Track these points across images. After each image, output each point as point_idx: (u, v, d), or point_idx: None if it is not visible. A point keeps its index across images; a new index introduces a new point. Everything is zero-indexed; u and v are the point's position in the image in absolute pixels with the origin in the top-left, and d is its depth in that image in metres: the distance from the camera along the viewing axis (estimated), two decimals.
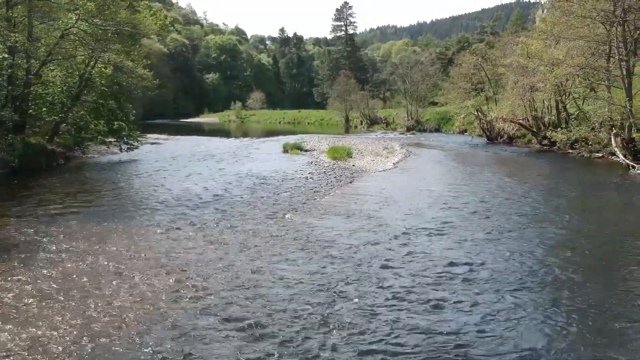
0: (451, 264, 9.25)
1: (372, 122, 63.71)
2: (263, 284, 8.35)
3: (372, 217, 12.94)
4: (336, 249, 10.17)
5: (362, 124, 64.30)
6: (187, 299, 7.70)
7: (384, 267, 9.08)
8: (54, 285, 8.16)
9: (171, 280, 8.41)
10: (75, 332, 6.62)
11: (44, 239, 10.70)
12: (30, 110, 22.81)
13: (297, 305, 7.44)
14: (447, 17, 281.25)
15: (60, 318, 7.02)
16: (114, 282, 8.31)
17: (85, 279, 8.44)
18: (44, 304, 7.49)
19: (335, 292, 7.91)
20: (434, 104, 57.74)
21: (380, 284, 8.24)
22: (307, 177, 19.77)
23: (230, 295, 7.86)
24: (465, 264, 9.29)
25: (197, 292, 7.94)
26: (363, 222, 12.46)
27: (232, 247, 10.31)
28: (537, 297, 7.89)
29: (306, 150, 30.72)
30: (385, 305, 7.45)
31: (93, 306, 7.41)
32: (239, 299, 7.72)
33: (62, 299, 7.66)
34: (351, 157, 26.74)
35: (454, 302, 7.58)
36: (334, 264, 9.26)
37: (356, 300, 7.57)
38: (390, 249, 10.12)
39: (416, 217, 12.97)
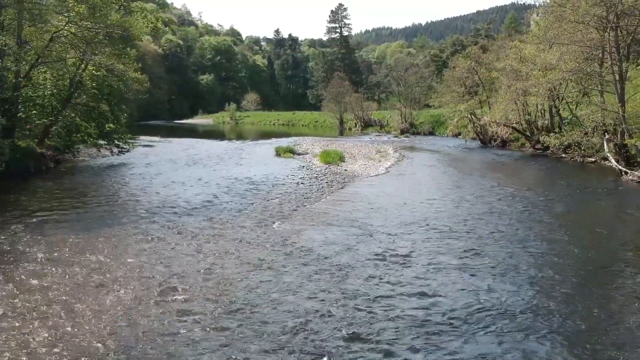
0: (435, 301, 8.11)
1: (366, 125, 63.67)
2: (246, 300, 8.20)
3: (360, 229, 12.61)
4: (320, 267, 9.68)
5: (356, 126, 64.22)
6: (170, 314, 7.55)
7: (359, 299, 8.12)
8: (34, 299, 7.98)
9: (154, 294, 8.26)
10: (52, 349, 6.46)
11: (27, 249, 10.52)
12: (20, 114, 22.56)
13: (267, 332, 7.17)
14: (442, 19, 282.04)
15: (37, 334, 6.85)
16: (97, 296, 8.14)
17: (66, 292, 8.27)
18: (20, 318, 7.31)
19: (308, 329, 7.17)
20: (428, 106, 57.68)
21: (352, 322, 7.36)
22: (298, 183, 19.62)
23: (213, 310, 7.72)
24: (450, 297, 8.28)
25: (180, 307, 7.79)
26: (350, 235, 12.04)
27: (218, 258, 10.16)
28: (524, 324, 7.38)
29: (299, 154, 30.58)
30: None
31: (72, 321, 7.24)
32: (222, 314, 7.58)
33: (42, 313, 7.49)
34: (343, 161, 26.61)
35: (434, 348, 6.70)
36: (315, 287, 8.72)
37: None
38: (370, 277, 9.18)
39: (402, 233, 12.26)
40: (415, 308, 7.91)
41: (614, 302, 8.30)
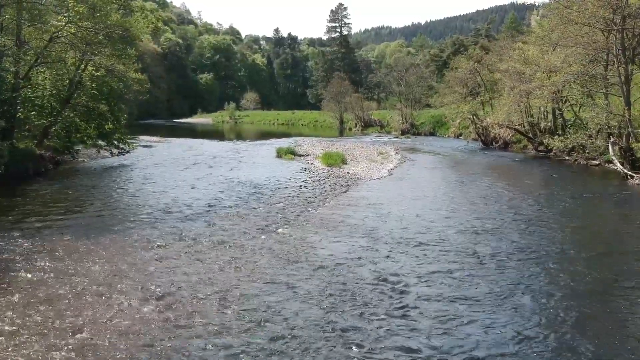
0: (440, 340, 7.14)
1: (367, 125, 63.46)
2: (251, 313, 7.96)
3: (365, 240, 12.11)
4: (325, 283, 9.20)
5: (356, 126, 64.00)
6: (173, 328, 7.29)
7: (356, 336, 7.13)
8: (33, 311, 7.73)
9: (157, 306, 7.99)
10: None
11: (27, 256, 10.25)
12: (19, 114, 22.29)
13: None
14: (442, 18, 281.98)
15: (37, 347, 6.60)
16: (99, 309, 7.87)
17: (66, 303, 8.01)
18: (20, 331, 7.06)
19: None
20: (429, 106, 57.41)
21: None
22: (300, 186, 19.37)
23: (218, 324, 7.46)
24: (461, 331, 7.36)
25: (184, 321, 7.53)
26: (355, 248, 11.32)
27: (222, 267, 9.90)
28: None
29: (300, 155, 30.34)
30: None
31: (73, 334, 6.99)
32: (227, 329, 7.34)
33: (41, 325, 7.24)
34: (345, 163, 26.38)
35: None
36: (320, 303, 8.39)
37: None
38: (371, 308, 8.13)
39: (406, 249, 11.33)
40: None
41: (631, 323, 7.84)
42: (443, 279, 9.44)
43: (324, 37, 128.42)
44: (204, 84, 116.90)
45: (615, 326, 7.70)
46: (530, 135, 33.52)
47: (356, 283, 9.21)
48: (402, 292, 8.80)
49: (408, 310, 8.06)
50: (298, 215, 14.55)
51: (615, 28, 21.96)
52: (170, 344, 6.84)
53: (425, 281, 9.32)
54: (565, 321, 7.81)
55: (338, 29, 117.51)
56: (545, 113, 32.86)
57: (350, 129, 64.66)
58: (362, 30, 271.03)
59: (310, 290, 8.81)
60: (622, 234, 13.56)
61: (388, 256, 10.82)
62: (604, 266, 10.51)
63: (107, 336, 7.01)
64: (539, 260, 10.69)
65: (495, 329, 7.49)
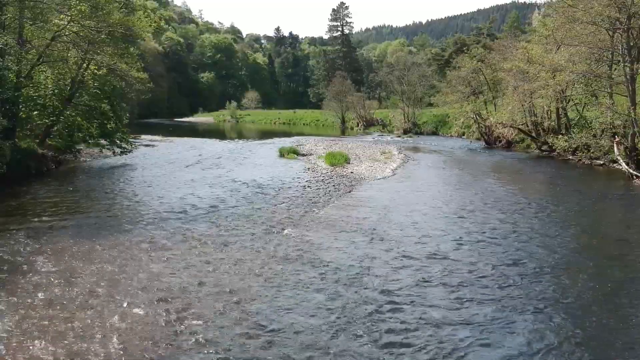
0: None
1: (368, 124, 63.29)
2: (259, 318, 7.84)
3: (370, 242, 11.95)
4: (332, 288, 9.10)
5: (358, 125, 63.83)
6: (179, 332, 7.19)
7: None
8: (37, 314, 7.63)
9: (163, 309, 7.87)
10: None
11: (31, 258, 10.14)
12: (21, 114, 22.16)
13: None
14: (443, 17, 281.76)
15: (41, 351, 6.49)
16: (104, 311, 7.77)
17: (71, 306, 7.91)
18: (24, 334, 6.96)
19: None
20: (431, 105, 57.21)
21: None
22: (304, 186, 19.25)
23: (224, 329, 7.35)
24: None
25: (190, 324, 7.41)
26: (361, 254, 10.90)
27: (228, 269, 9.78)
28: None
29: (303, 155, 30.24)
30: None
31: (78, 337, 6.90)
32: (233, 334, 7.22)
33: (45, 329, 7.14)
34: (349, 162, 26.26)
35: None
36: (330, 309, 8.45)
37: None
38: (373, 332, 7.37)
39: (410, 257, 10.73)
40: None
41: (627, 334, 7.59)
42: (447, 293, 8.91)
43: (325, 36, 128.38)
44: (205, 83, 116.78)
45: (625, 338, 7.46)
46: (533, 134, 33.36)
47: (361, 296, 8.72)
48: (404, 311, 8.28)
49: (410, 333, 7.38)
50: (303, 216, 14.42)
51: (621, 27, 21.83)
52: (173, 346, 6.74)
53: (429, 296, 8.78)
54: (573, 337, 7.44)
55: (339, 28, 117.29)
56: (549, 112, 32.68)
57: (352, 128, 64.50)
58: (363, 29, 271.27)
59: (316, 298, 8.66)
60: (629, 237, 13.30)
61: (394, 266, 10.25)
62: (611, 274, 10.15)
63: (110, 338, 6.90)
64: (545, 269, 10.32)
65: (503, 346, 7.31)
